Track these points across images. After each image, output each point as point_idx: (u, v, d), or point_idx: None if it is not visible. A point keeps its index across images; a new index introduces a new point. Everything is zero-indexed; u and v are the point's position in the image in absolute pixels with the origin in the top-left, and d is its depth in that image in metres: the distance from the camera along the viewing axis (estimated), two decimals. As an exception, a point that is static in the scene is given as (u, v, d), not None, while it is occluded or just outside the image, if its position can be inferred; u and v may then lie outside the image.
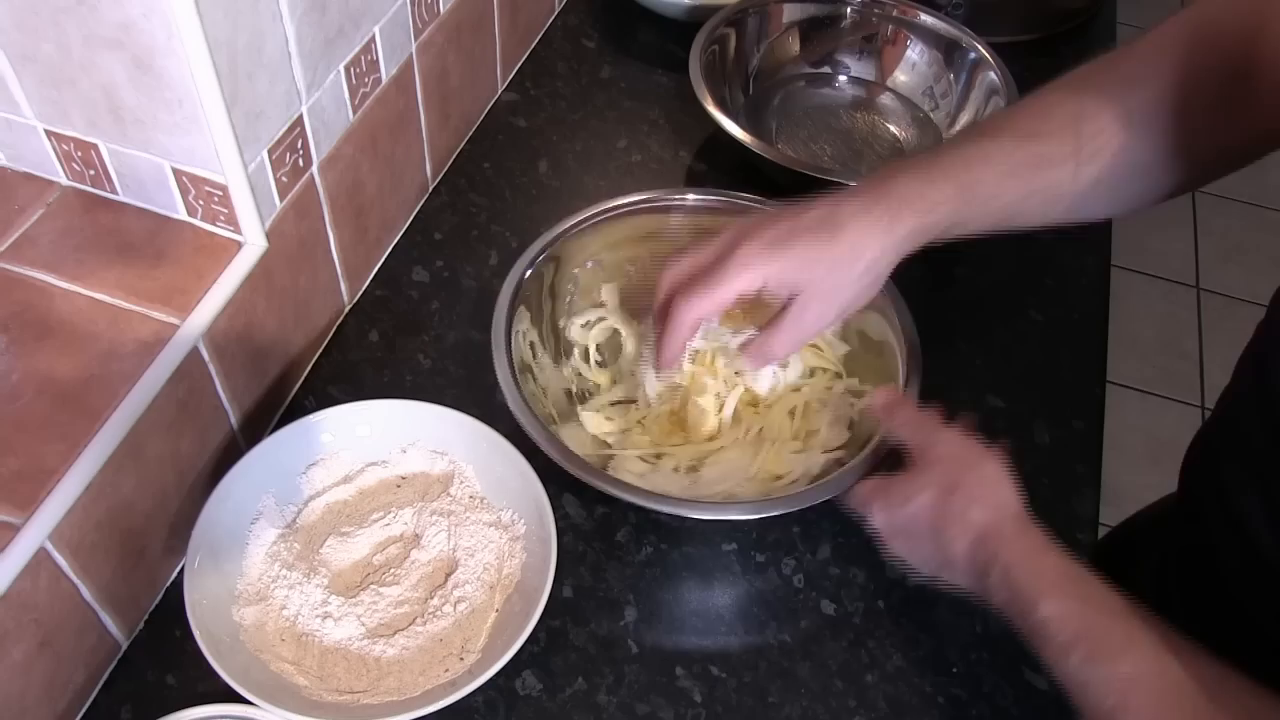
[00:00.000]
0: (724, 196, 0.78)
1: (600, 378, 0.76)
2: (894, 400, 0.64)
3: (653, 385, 0.73)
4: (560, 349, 0.77)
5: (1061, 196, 0.64)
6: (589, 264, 0.77)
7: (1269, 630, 0.60)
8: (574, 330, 0.77)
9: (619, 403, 0.75)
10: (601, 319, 0.77)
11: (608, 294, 0.78)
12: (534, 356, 0.74)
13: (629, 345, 0.77)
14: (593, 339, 0.77)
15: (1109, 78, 0.63)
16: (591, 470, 0.64)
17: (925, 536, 0.58)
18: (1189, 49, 0.60)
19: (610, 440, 0.72)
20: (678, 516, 0.64)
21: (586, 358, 0.77)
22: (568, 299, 0.77)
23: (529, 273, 0.73)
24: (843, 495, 0.63)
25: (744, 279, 0.61)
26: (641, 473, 0.70)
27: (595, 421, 0.73)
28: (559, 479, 0.64)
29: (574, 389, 0.76)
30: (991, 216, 0.64)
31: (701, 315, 0.62)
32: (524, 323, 0.72)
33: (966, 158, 0.63)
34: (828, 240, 0.61)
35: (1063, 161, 0.62)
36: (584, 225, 0.76)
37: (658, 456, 0.71)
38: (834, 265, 0.61)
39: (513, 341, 0.69)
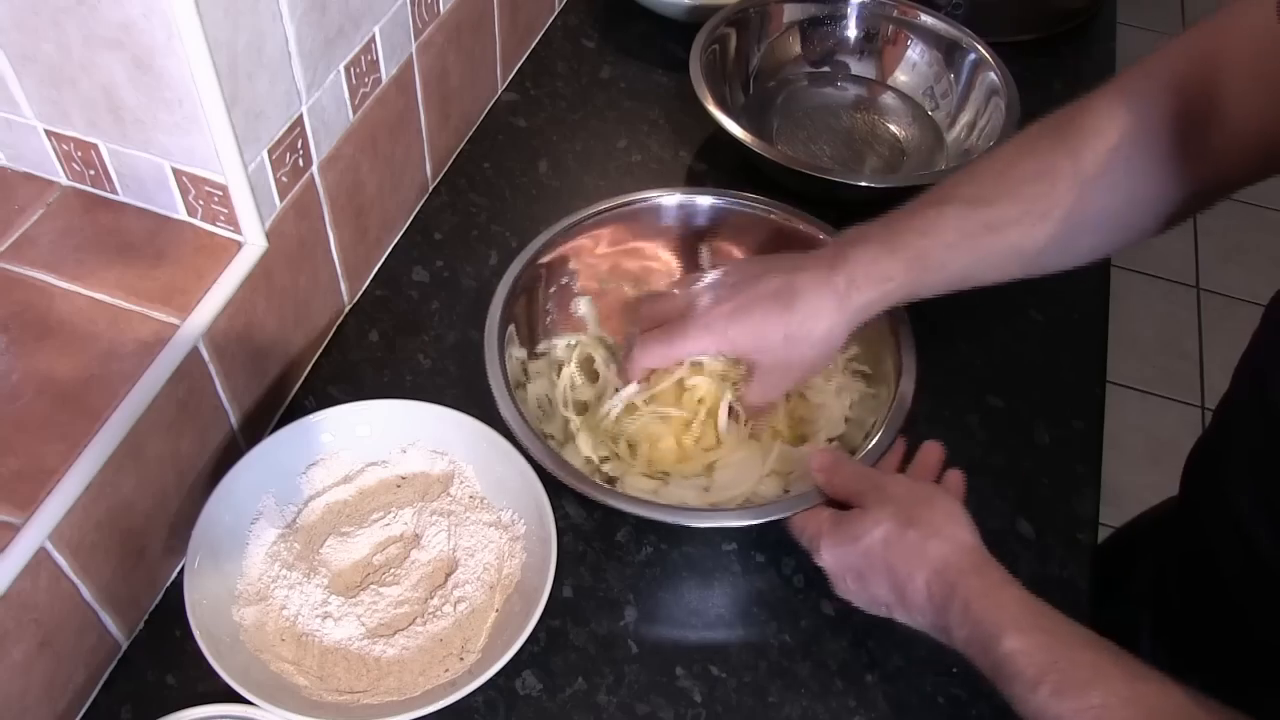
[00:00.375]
0: (715, 195, 0.79)
1: (585, 395, 0.75)
2: (832, 460, 0.63)
3: (618, 404, 0.71)
4: (550, 368, 0.76)
5: (1016, 257, 0.64)
6: (564, 280, 0.77)
7: (1267, 635, 0.60)
8: (558, 350, 0.76)
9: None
10: (579, 341, 0.76)
11: (585, 308, 0.78)
12: (527, 377, 0.73)
13: (603, 370, 0.75)
14: (575, 358, 0.75)
15: (1067, 134, 0.63)
16: (597, 487, 0.64)
17: (880, 572, 0.57)
18: (1147, 100, 0.61)
19: (606, 468, 0.70)
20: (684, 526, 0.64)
21: (571, 378, 0.75)
22: (548, 319, 0.77)
23: (517, 289, 0.72)
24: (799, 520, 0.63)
25: (700, 343, 0.66)
26: (654, 488, 0.69)
27: (590, 444, 0.71)
28: (559, 479, 0.64)
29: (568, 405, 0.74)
30: (944, 283, 0.65)
31: (655, 365, 0.68)
32: (513, 344, 0.72)
33: (917, 229, 0.64)
34: (783, 312, 0.64)
35: (1013, 224, 0.63)
36: (565, 235, 0.76)
37: (666, 473, 0.71)
38: (788, 337, 0.64)
39: (507, 363, 0.69)
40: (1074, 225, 0.62)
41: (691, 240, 0.80)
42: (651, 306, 0.70)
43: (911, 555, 0.56)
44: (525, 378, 0.74)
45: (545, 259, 0.75)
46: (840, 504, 0.62)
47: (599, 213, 0.77)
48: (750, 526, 0.64)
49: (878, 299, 0.64)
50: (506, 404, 0.66)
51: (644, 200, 0.78)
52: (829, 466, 0.63)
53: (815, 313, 0.63)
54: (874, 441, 0.66)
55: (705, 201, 0.79)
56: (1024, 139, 0.65)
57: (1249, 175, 0.59)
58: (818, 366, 0.68)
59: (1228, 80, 0.57)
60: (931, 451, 0.66)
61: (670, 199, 0.79)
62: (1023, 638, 0.51)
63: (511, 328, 0.72)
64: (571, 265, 0.77)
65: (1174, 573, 0.73)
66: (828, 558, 0.60)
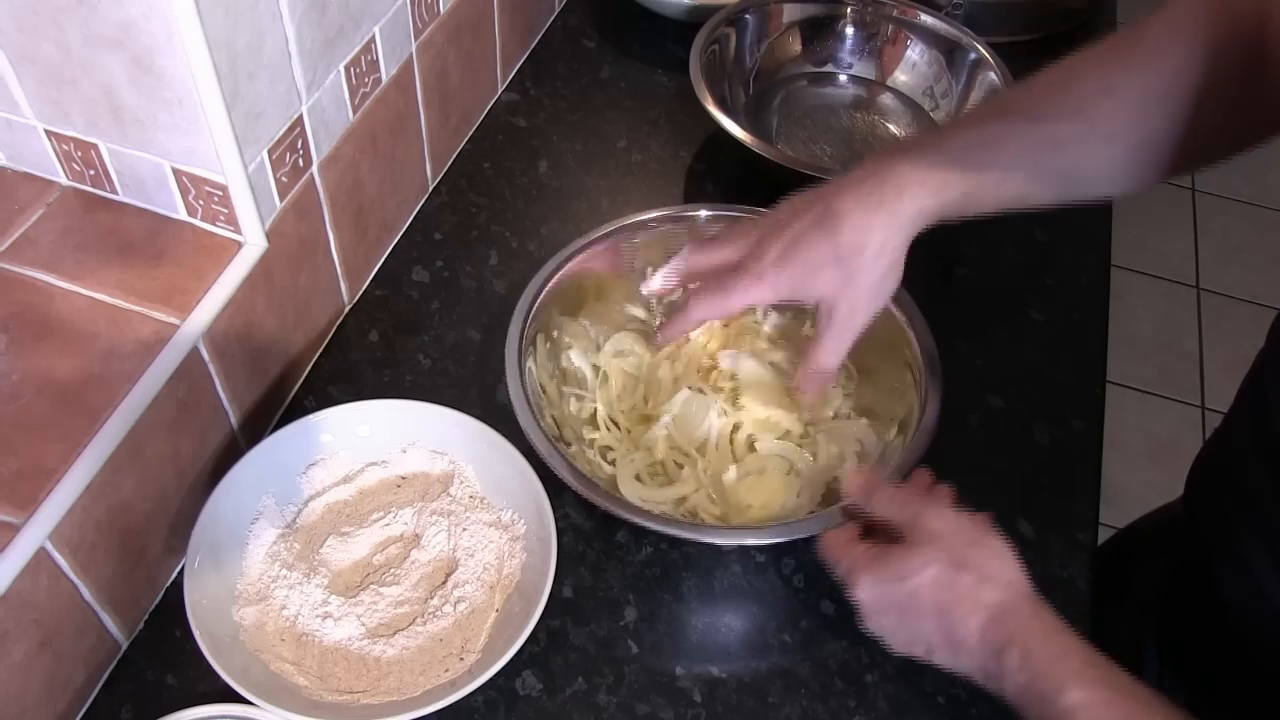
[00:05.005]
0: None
1: (603, 396, 0.74)
2: (869, 481, 0.61)
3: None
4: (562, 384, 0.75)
5: (1074, 178, 0.62)
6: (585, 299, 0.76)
7: (1262, 661, 0.59)
8: (573, 357, 0.75)
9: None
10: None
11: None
12: (545, 395, 0.72)
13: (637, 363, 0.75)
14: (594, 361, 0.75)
15: (1131, 54, 0.60)
16: (638, 510, 0.64)
17: (928, 615, 0.55)
18: (1207, 25, 0.58)
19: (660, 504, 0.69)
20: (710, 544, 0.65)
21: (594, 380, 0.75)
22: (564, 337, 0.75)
23: (535, 309, 0.71)
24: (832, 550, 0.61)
25: (754, 293, 0.63)
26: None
27: (631, 487, 0.70)
28: (559, 479, 0.64)
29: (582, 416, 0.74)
30: (1001, 199, 0.62)
31: (708, 318, 0.67)
32: (530, 360, 0.71)
33: (975, 140, 0.61)
34: (829, 236, 0.60)
35: (1076, 142, 0.60)
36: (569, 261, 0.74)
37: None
38: (843, 260, 0.60)
39: (526, 383, 0.68)
40: (1137, 146, 0.60)
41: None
42: (700, 257, 0.67)
43: (964, 600, 0.54)
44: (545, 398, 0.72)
45: (567, 270, 0.74)
46: (862, 522, 0.61)
47: (635, 224, 0.76)
48: (774, 545, 0.63)
49: (933, 207, 0.60)
50: (527, 417, 0.66)
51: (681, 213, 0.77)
52: (865, 489, 0.60)
53: (863, 227, 0.60)
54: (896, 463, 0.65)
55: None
56: (1090, 57, 0.62)
57: None
58: (882, 289, 0.63)
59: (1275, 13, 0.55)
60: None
61: (703, 213, 0.77)
62: (1085, 692, 0.50)
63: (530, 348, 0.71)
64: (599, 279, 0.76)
65: (1177, 583, 0.72)
66: (866, 594, 0.57)
